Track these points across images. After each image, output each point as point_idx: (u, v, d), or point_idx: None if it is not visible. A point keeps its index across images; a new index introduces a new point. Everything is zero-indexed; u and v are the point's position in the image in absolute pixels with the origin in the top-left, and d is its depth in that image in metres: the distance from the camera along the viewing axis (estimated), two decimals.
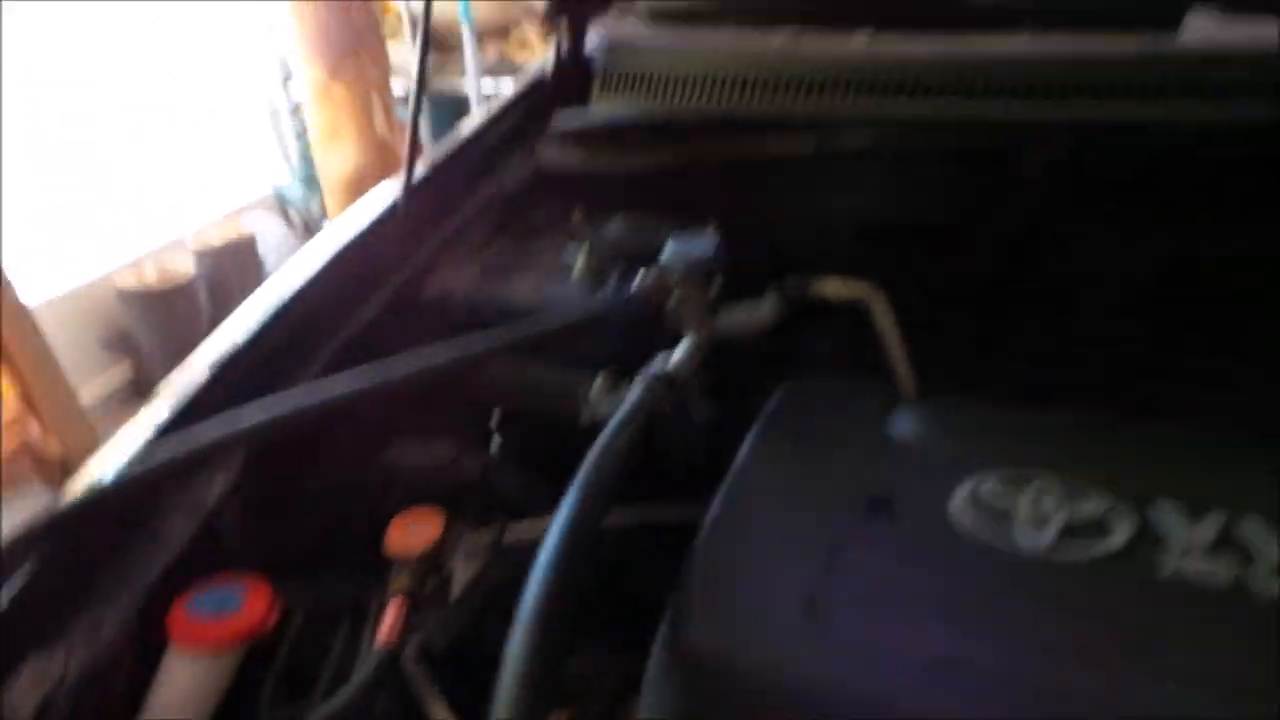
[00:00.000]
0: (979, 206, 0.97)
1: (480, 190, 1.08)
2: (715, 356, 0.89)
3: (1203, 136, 0.90)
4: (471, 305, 0.95)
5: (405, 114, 4.05)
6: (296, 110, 3.85)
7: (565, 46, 1.19)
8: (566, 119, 1.13)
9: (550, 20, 1.14)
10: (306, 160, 3.86)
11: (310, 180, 3.92)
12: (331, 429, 0.79)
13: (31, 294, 2.65)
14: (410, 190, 0.97)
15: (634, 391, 0.73)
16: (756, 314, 0.92)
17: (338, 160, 3.57)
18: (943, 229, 1.00)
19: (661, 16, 1.25)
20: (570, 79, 1.19)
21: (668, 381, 0.75)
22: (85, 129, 3.25)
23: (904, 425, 0.78)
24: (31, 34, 3.01)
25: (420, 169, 1.07)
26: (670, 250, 0.86)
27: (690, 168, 1.07)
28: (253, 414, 0.67)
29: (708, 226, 1.05)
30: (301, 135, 3.81)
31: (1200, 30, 0.95)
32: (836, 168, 1.00)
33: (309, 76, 3.45)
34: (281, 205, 4.15)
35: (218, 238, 3.49)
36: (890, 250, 1.04)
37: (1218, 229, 0.91)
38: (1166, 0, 0.96)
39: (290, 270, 0.92)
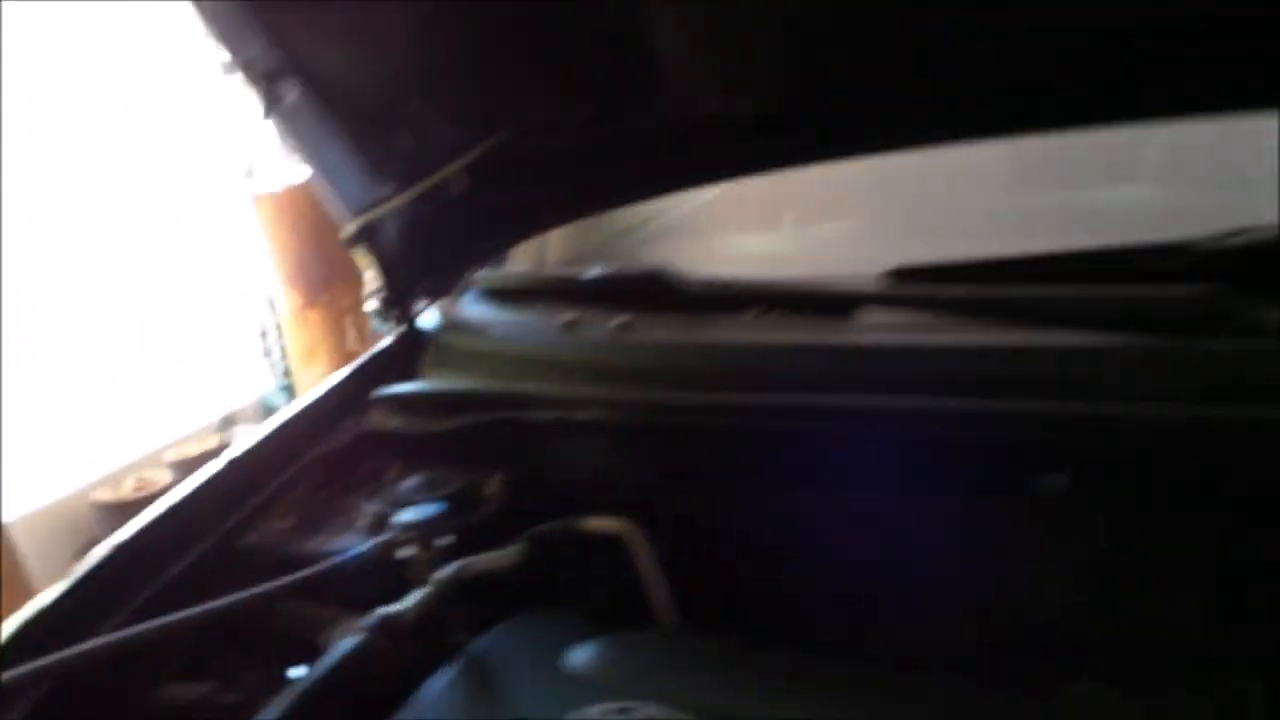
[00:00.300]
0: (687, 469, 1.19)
1: (312, 449, 1.31)
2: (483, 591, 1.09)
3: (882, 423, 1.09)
4: (276, 555, 1.16)
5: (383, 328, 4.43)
6: (279, 328, 4.20)
7: (401, 326, 1.45)
8: (395, 387, 1.37)
9: (385, 313, 1.40)
10: (288, 373, 4.19)
11: (291, 391, 4.24)
12: (125, 668, 0.98)
13: (7, 509, 2.88)
14: (237, 458, 1.21)
15: (349, 636, 0.93)
16: (502, 557, 1.13)
17: (314, 376, 3.88)
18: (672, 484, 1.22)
19: (489, 294, 1.51)
20: (406, 352, 1.44)
21: (381, 626, 0.95)
22: (72, 349, 3.56)
23: (578, 658, 0.97)
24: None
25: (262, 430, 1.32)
26: (403, 514, 1.08)
27: (484, 431, 1.30)
28: (48, 660, 0.87)
29: (495, 478, 1.28)
30: (284, 350, 4.15)
31: (873, 325, 1.19)
32: (586, 434, 1.23)
33: (288, 303, 3.82)
34: (267, 414, 4.45)
35: (195, 448, 3.76)
36: (641, 495, 1.25)
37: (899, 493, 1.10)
38: (840, 295, 1.20)
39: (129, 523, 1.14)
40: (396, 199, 1.24)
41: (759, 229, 1.89)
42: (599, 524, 1.26)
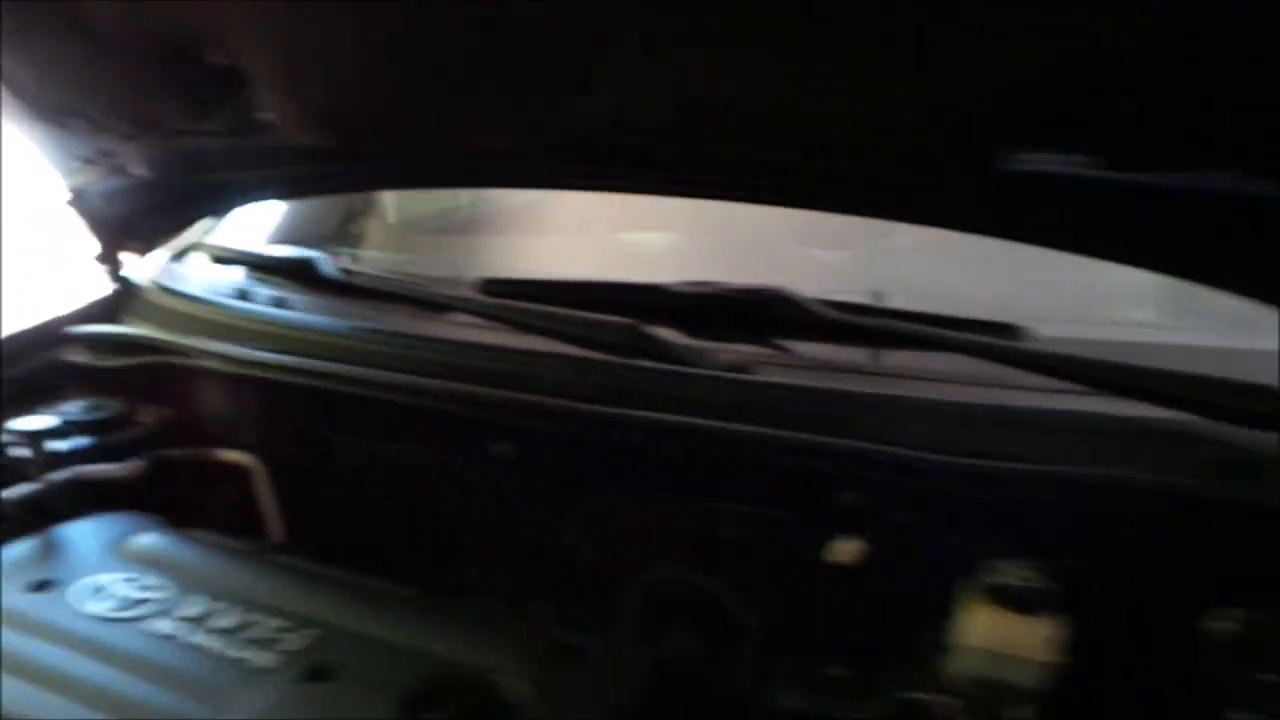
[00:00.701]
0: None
1: (8, 371, 1.59)
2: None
3: None
4: None
5: None
6: None
7: (111, 275, 1.73)
8: (85, 327, 1.65)
9: (97, 267, 1.69)
10: None
11: None
12: None
13: None
14: None
15: None
16: (121, 470, 1.43)
17: None
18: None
19: (197, 257, 1.80)
20: (114, 300, 1.72)
21: None
22: None
23: (134, 543, 1.27)
24: None
25: None
26: (15, 422, 1.37)
27: (148, 371, 1.59)
28: None
29: (149, 409, 1.57)
30: None
31: (451, 322, 1.50)
32: (226, 382, 1.53)
33: None
34: None
35: None
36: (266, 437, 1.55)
37: None
38: (431, 297, 1.51)
39: None
40: (89, 174, 1.52)
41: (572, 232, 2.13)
42: (227, 455, 1.56)
